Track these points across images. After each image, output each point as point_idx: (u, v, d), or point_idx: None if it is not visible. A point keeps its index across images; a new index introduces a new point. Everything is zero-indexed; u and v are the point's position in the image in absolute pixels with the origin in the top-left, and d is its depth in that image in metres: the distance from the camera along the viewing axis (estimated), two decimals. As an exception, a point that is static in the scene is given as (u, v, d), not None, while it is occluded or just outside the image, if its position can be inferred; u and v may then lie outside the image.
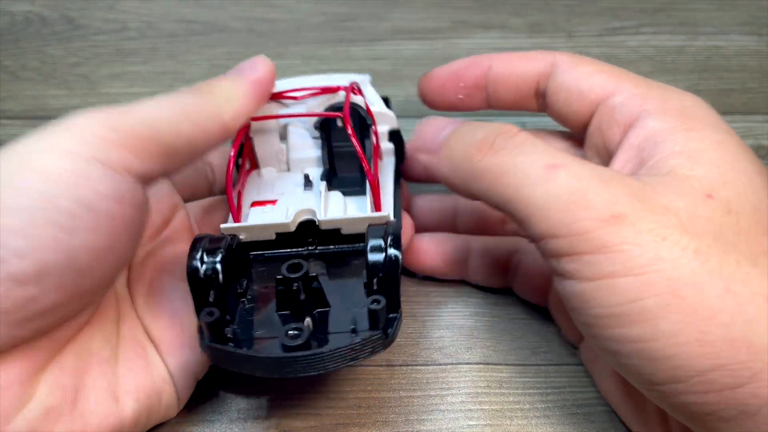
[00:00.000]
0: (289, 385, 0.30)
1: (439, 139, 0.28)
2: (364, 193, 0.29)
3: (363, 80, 0.33)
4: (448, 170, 0.27)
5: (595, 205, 0.22)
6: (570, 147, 0.31)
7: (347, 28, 0.49)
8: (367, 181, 0.28)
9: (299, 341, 0.22)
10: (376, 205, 0.28)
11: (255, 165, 0.31)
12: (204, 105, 0.24)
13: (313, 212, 0.27)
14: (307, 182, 0.29)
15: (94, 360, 0.24)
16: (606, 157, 0.27)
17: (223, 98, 0.25)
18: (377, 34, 0.49)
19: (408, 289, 0.33)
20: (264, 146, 0.30)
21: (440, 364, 0.31)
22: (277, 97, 0.30)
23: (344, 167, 0.31)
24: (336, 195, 0.29)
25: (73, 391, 0.23)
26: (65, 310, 0.22)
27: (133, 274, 0.28)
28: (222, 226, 0.27)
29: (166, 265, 0.28)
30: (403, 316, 0.25)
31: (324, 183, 0.29)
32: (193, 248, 0.25)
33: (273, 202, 0.28)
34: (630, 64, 0.46)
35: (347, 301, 0.25)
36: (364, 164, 0.27)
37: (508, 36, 0.48)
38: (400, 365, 0.31)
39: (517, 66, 0.30)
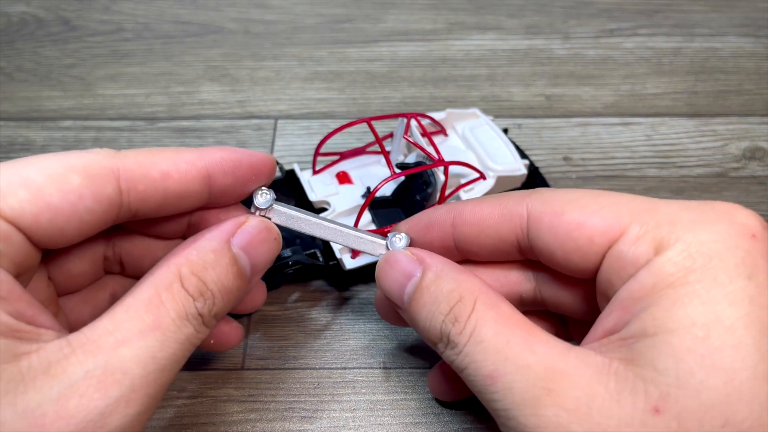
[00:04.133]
0: (283, 388, 0.30)
1: (403, 297, 0.24)
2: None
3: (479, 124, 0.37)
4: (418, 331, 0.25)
5: None
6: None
7: (343, 30, 0.49)
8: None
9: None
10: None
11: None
12: None
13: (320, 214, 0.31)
14: (366, 192, 0.34)
15: None
16: None
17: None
18: (373, 35, 0.48)
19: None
20: (396, 142, 0.36)
21: (435, 367, 0.31)
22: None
23: (396, 202, 0.35)
24: (366, 214, 0.33)
25: None
26: None
27: None
28: (300, 172, 0.35)
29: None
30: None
31: (363, 202, 0.32)
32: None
33: (346, 181, 0.35)
34: (626, 65, 0.46)
35: None
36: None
37: (504, 38, 0.48)
38: (395, 368, 0.31)
39: (486, 228, 0.25)
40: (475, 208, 0.25)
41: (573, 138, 0.42)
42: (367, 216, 0.33)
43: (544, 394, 0.20)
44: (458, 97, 0.44)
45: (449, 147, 0.36)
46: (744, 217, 0.21)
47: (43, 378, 0.19)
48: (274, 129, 0.42)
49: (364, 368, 0.31)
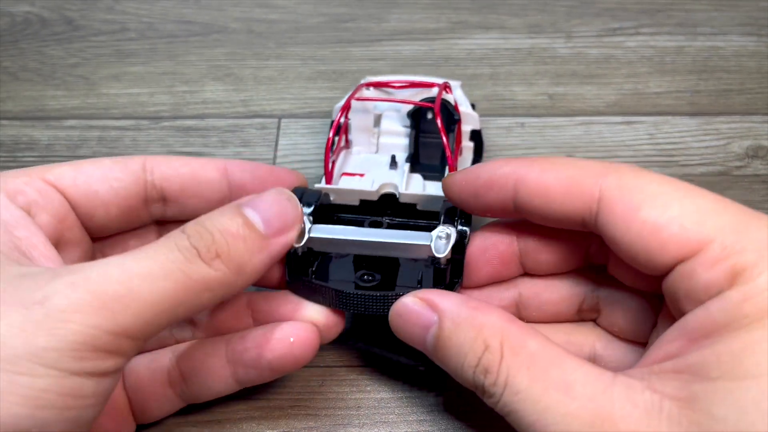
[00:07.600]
0: (288, 386, 0.30)
1: (427, 348, 0.24)
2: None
3: (454, 85, 0.37)
4: None
5: None
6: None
7: (346, 29, 0.49)
8: (447, 168, 0.31)
9: (372, 284, 0.28)
10: None
11: (348, 145, 0.35)
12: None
13: (395, 186, 0.31)
14: (393, 163, 0.33)
15: None
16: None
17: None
18: (376, 34, 0.49)
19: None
20: (359, 128, 0.34)
21: (439, 365, 0.31)
22: (377, 85, 0.35)
23: (428, 156, 0.34)
24: (417, 176, 0.32)
25: None
26: None
27: None
28: (316, 185, 0.30)
29: None
30: None
31: (408, 164, 0.32)
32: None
33: (361, 174, 0.32)
34: (629, 64, 0.46)
35: (416, 265, 0.28)
36: (447, 151, 0.30)
37: (507, 37, 0.48)
38: (400, 365, 0.31)
39: (551, 200, 0.23)
40: (542, 175, 0.23)
41: (576, 137, 0.42)
42: (417, 179, 0.32)
43: None
44: (461, 96, 0.44)
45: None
46: None
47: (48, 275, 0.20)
48: (278, 128, 0.42)
49: (369, 366, 0.31)
